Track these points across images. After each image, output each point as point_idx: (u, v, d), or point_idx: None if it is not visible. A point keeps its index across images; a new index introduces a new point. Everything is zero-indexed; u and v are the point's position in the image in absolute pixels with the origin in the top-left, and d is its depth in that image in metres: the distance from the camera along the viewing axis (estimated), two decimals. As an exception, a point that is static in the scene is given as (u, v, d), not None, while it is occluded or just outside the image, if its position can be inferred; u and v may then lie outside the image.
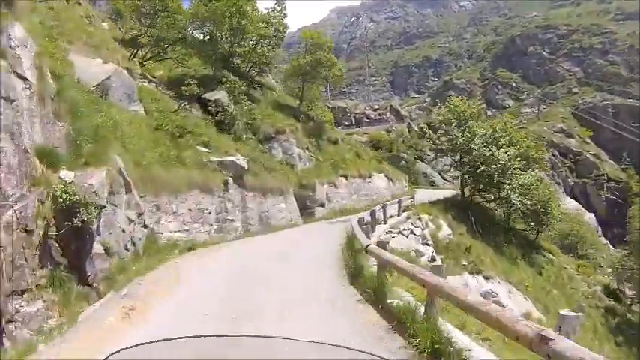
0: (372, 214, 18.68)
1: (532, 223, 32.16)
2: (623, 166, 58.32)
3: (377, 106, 65.14)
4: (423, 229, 21.71)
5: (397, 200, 25.37)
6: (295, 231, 20.59)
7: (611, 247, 45.00)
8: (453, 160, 32.08)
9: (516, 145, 30.10)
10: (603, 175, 55.26)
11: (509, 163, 28.06)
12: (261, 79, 33.19)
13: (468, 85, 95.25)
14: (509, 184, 28.41)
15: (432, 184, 47.86)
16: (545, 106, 72.95)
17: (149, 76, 22.53)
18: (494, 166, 27.77)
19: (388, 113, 61.07)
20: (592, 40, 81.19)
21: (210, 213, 16.51)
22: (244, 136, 24.08)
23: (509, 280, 22.52)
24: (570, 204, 45.63)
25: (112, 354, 1.79)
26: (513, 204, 28.77)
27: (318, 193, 26.07)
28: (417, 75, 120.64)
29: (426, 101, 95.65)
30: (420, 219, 22.69)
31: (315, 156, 29.03)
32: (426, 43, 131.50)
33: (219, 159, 18.09)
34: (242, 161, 19.11)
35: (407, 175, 43.69)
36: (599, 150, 59.34)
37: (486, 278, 20.67)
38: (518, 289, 22.03)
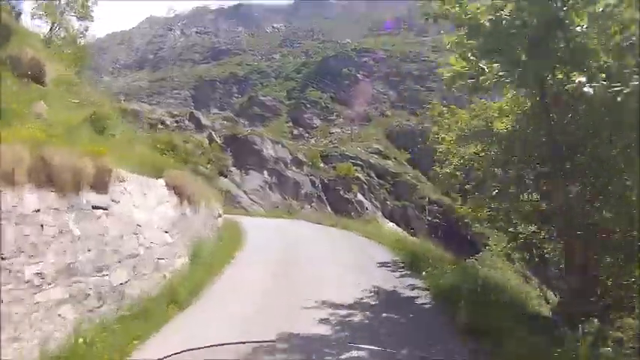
0: None
1: None
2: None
3: (176, 112, 56.42)
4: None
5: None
6: None
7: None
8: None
9: None
10: (425, 197, 45.59)
11: None
12: None
13: (274, 104, 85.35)
14: None
15: (238, 206, 36.37)
16: (356, 127, 66.66)
17: None
18: None
19: (187, 121, 52.90)
20: (410, 66, 77.67)
21: None
22: None
23: None
24: (390, 226, 36.72)
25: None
26: None
27: None
28: (221, 91, 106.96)
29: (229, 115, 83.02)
30: None
31: None
32: (234, 60, 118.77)
33: None
34: None
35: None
36: (417, 172, 50.49)
37: None
38: None
